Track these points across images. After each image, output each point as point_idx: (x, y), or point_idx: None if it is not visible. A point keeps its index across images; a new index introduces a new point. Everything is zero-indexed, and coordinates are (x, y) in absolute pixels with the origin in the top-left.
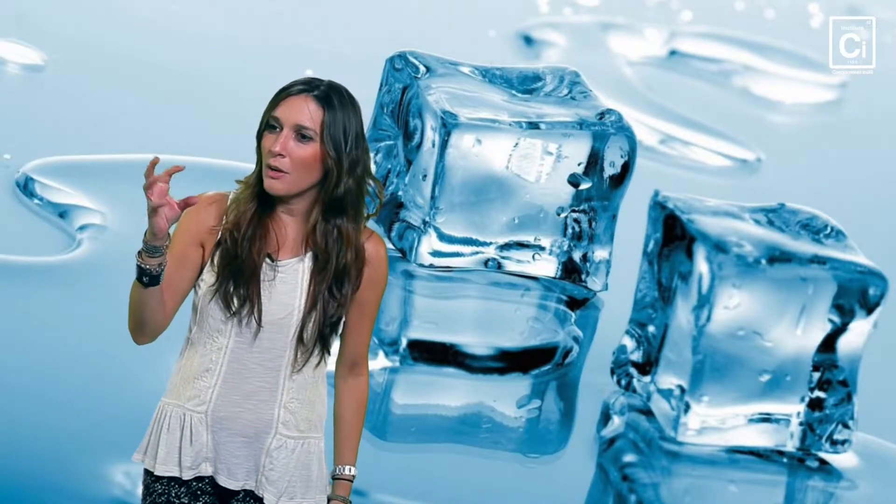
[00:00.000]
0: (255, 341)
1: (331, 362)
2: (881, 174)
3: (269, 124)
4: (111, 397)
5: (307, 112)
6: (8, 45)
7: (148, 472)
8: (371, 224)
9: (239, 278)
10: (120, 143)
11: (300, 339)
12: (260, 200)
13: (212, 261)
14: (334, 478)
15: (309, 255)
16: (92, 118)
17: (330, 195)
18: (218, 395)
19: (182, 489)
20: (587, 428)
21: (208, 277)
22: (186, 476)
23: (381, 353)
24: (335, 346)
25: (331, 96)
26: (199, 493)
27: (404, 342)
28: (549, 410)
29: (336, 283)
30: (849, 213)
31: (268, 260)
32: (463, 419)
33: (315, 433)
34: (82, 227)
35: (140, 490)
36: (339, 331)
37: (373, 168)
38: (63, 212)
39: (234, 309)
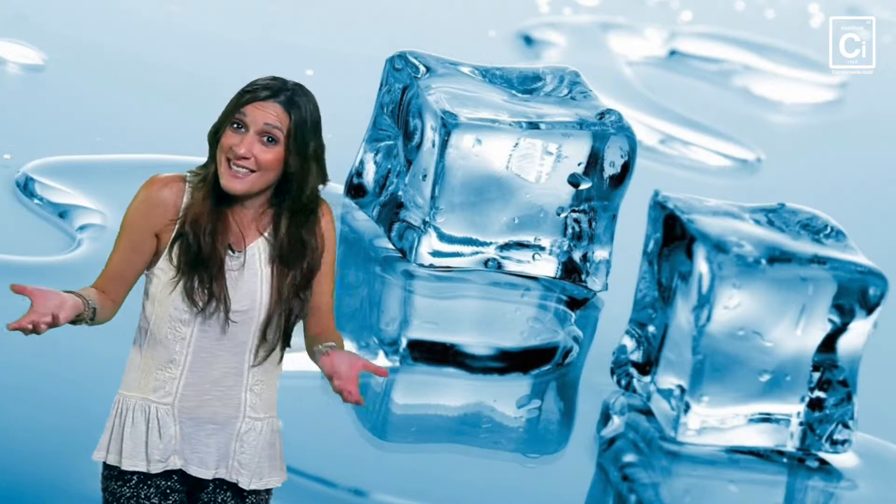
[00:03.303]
0: (222, 331)
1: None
2: (881, 174)
3: (233, 123)
4: (111, 397)
5: (274, 118)
6: (8, 45)
7: (111, 475)
8: (369, 223)
9: (203, 274)
10: (120, 143)
11: (263, 336)
12: (216, 196)
13: (169, 253)
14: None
15: (262, 239)
16: (92, 118)
17: (298, 202)
18: (184, 386)
19: (151, 490)
20: (587, 428)
21: (166, 268)
22: (155, 470)
23: (381, 353)
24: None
25: (296, 101)
26: (168, 491)
27: (404, 342)
28: (549, 410)
29: (302, 286)
30: (849, 213)
31: (230, 252)
32: (463, 419)
33: (273, 412)
34: (82, 227)
35: (103, 497)
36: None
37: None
38: (63, 212)
39: (200, 306)
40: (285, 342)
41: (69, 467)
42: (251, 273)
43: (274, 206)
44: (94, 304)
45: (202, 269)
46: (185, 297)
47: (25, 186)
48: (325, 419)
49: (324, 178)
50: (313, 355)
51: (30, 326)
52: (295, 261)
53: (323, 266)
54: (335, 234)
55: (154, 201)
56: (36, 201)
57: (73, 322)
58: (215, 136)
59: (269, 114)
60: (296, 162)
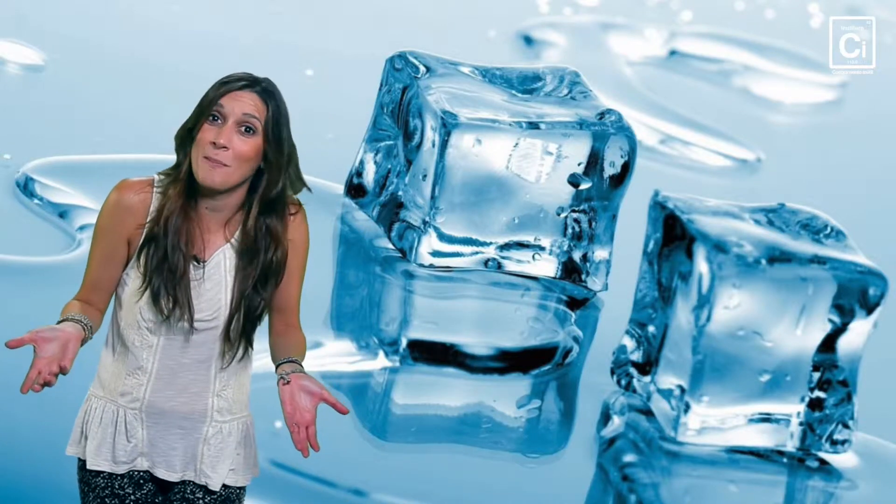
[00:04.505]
0: (187, 340)
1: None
2: (881, 174)
3: (209, 116)
4: None
5: (253, 107)
6: (8, 45)
7: (85, 467)
8: (369, 223)
9: (168, 280)
10: (120, 143)
11: (227, 336)
12: (188, 195)
13: (137, 259)
14: (279, 364)
15: (228, 246)
16: (92, 118)
17: (269, 194)
18: (151, 392)
19: (125, 480)
20: (587, 428)
21: (134, 275)
22: (120, 470)
23: (381, 353)
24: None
25: (272, 92)
26: (141, 481)
27: (404, 342)
28: (549, 410)
29: (261, 280)
30: (849, 213)
31: (194, 263)
32: (463, 419)
33: (245, 411)
34: (82, 227)
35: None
36: (261, 323)
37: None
38: (63, 212)
39: (165, 314)
40: (248, 343)
41: (73, 469)
42: (214, 283)
43: (245, 206)
44: (88, 322)
45: (167, 276)
46: (151, 304)
47: (25, 186)
48: (324, 419)
49: (300, 178)
50: (274, 358)
51: (39, 388)
52: (257, 253)
53: (293, 266)
54: (308, 236)
55: (123, 207)
56: (36, 201)
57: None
58: (190, 134)
59: (246, 103)
60: (273, 152)
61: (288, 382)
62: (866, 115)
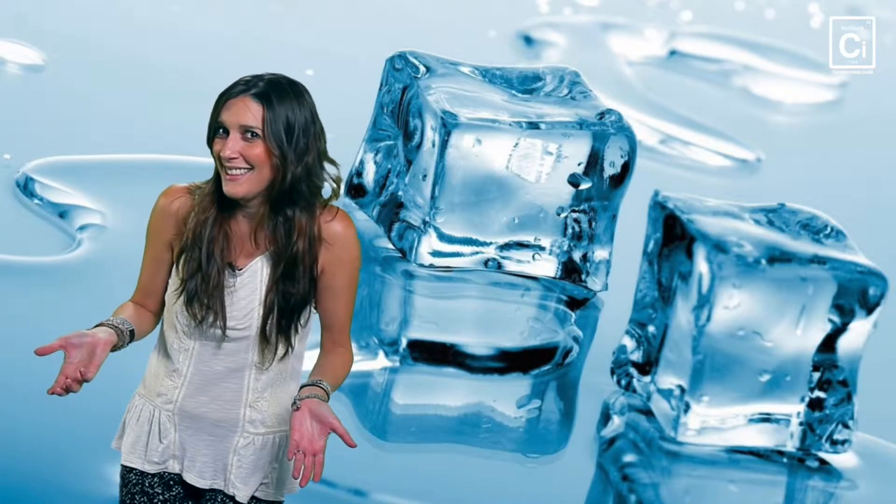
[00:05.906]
0: (220, 346)
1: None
2: (881, 174)
3: (216, 130)
4: (111, 397)
5: (249, 113)
6: (8, 45)
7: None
8: (369, 223)
9: (202, 291)
10: (120, 143)
11: (263, 336)
12: (219, 206)
13: (176, 265)
14: (302, 385)
15: (265, 255)
16: (92, 118)
17: (277, 189)
18: (184, 396)
19: (155, 479)
20: (587, 428)
21: (174, 279)
22: (150, 470)
23: (381, 353)
24: (302, 336)
25: (269, 93)
26: (171, 483)
27: (404, 342)
28: (549, 410)
29: (289, 273)
30: (849, 213)
31: (229, 270)
32: (463, 419)
33: (284, 426)
34: (82, 227)
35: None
36: (304, 321)
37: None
38: (63, 212)
39: (198, 319)
40: (288, 342)
41: (74, 469)
42: (249, 291)
43: (265, 212)
44: (129, 327)
45: (202, 284)
46: (184, 309)
47: (25, 186)
48: None
49: (309, 168)
50: (309, 376)
51: (62, 392)
52: (281, 247)
53: (340, 284)
54: (356, 255)
55: (165, 213)
56: (36, 201)
57: (112, 350)
58: (210, 149)
59: (241, 109)
60: (276, 149)
61: (299, 408)
62: (866, 115)
